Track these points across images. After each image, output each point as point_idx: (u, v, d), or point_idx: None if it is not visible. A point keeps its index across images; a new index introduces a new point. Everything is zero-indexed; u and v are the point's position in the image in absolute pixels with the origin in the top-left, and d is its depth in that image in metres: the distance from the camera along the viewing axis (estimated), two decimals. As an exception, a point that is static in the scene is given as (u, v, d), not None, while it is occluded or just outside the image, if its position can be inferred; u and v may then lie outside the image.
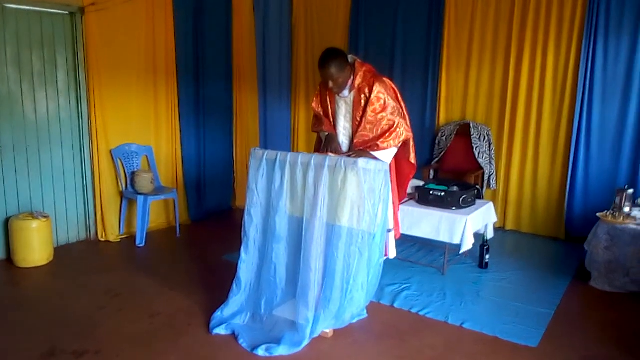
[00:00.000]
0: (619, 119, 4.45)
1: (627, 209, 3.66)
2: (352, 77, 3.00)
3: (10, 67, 4.02)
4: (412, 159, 3.20)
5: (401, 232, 3.84)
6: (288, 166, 2.84)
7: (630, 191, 3.69)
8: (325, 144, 3.17)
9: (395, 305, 3.35)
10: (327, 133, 3.19)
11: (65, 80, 4.38)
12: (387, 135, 2.96)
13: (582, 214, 4.62)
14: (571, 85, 4.62)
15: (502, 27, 4.92)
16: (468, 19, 5.10)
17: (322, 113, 3.27)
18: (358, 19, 5.68)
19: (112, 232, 4.67)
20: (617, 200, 3.70)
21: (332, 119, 3.20)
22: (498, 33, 4.96)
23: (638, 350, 2.81)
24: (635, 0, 4.25)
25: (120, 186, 4.75)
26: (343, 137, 3.17)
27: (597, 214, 3.72)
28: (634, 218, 3.59)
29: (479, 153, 4.98)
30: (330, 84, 2.96)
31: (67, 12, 4.28)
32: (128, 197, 4.72)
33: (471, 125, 5.03)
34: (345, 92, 3.06)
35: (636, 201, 3.92)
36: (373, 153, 2.95)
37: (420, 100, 5.45)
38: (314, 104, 3.32)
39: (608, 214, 3.67)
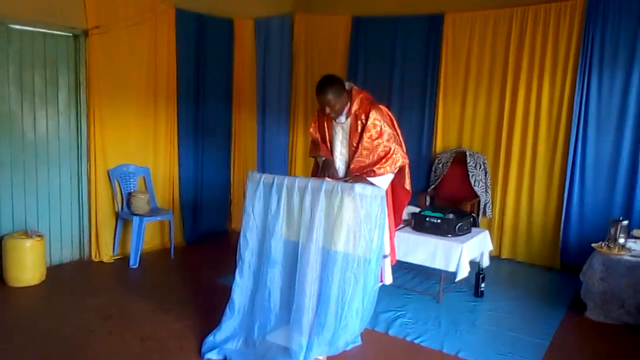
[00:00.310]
0: (613, 150, 4.51)
1: (621, 240, 3.67)
2: (349, 104, 3.05)
3: (12, 86, 4.06)
4: (408, 185, 3.22)
5: (397, 258, 3.84)
6: (285, 190, 2.85)
7: (625, 222, 3.71)
8: (322, 169, 3.19)
9: (390, 332, 3.32)
10: (324, 158, 3.21)
11: (66, 100, 4.42)
12: (383, 161, 2.99)
13: (577, 244, 4.63)
14: (566, 117, 4.69)
15: (499, 58, 5.01)
16: (465, 49, 5.20)
17: (319, 139, 3.31)
18: (357, 48, 5.78)
19: (106, 253, 4.64)
20: (612, 231, 3.71)
21: (329, 145, 3.23)
22: (495, 64, 5.05)
23: (634, 384, 2.79)
24: (628, 35, 4.35)
25: (116, 206, 4.74)
26: (340, 162, 3.20)
27: (592, 245, 3.73)
28: (629, 249, 3.60)
29: (475, 181, 5.01)
30: (327, 109, 3.00)
31: (70, 34, 4.34)
32: (123, 217, 4.71)
33: (467, 153, 5.08)
34: (342, 118, 3.11)
35: (631, 232, 3.94)
36: (369, 179, 2.97)
37: (418, 128, 5.50)
38: (311, 129, 3.37)
39: (603, 244, 3.68)
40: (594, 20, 4.46)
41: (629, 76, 4.38)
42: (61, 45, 4.33)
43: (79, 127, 4.48)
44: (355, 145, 3.06)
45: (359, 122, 3.03)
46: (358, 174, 3.05)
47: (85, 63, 4.38)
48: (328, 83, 2.97)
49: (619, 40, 4.40)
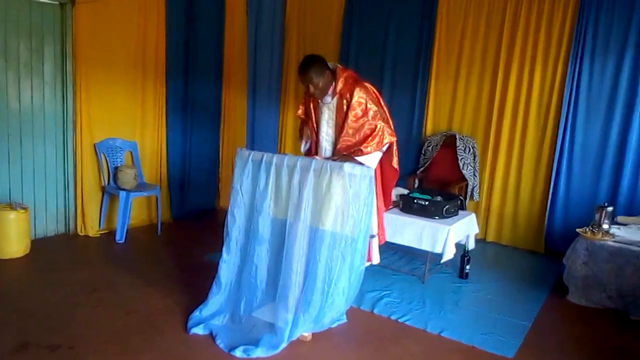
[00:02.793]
0: (601, 138, 4.54)
1: (605, 226, 3.72)
2: (333, 83, 3.04)
3: (-5, 54, 3.96)
4: (395, 163, 3.20)
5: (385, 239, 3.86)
6: (274, 168, 2.83)
7: (610, 209, 3.76)
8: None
9: (375, 311, 3.35)
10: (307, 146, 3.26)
11: (52, 72, 4.32)
12: (369, 139, 2.97)
13: (562, 229, 4.69)
14: (556, 103, 4.70)
15: (492, 42, 4.99)
16: (458, 32, 5.17)
17: (305, 119, 3.31)
18: (351, 26, 5.72)
19: (92, 227, 4.60)
20: (597, 217, 3.76)
21: (315, 126, 3.22)
22: (487, 48, 5.03)
23: (611, 365, 2.86)
24: (621, 24, 4.35)
25: (102, 181, 4.69)
26: (326, 142, 3.18)
27: (577, 230, 3.77)
28: (612, 235, 3.65)
29: (463, 164, 5.03)
30: (311, 88, 2.99)
31: (57, 3, 4.23)
32: (110, 192, 4.66)
33: (457, 136, 5.08)
34: (328, 99, 3.09)
35: (615, 219, 4.00)
36: (357, 158, 2.96)
37: (409, 109, 5.49)
38: (299, 112, 3.38)
39: (587, 230, 3.73)
40: (588, 7, 4.45)
41: (620, 64, 4.38)
42: (47, 14, 4.22)
43: (65, 99, 4.40)
44: (341, 124, 3.05)
45: (344, 101, 3.02)
46: (346, 153, 3.03)
47: (71, 33, 4.28)
48: (310, 62, 2.97)
49: (611, 28, 4.40)
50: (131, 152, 4.88)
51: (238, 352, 2.66)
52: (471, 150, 5.08)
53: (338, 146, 3.08)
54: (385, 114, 3.09)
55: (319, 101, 3.15)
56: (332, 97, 3.07)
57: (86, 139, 4.49)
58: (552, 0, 4.65)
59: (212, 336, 2.83)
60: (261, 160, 2.88)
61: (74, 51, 4.31)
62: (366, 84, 3.07)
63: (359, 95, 2.98)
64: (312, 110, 3.22)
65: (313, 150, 3.27)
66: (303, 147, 3.36)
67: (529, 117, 4.85)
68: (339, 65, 3.10)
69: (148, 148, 5.05)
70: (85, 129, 4.47)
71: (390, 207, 4.11)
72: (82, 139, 4.46)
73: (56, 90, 4.38)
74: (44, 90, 4.30)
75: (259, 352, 2.66)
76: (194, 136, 5.47)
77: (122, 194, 4.47)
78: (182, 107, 5.28)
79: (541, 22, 4.70)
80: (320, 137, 3.18)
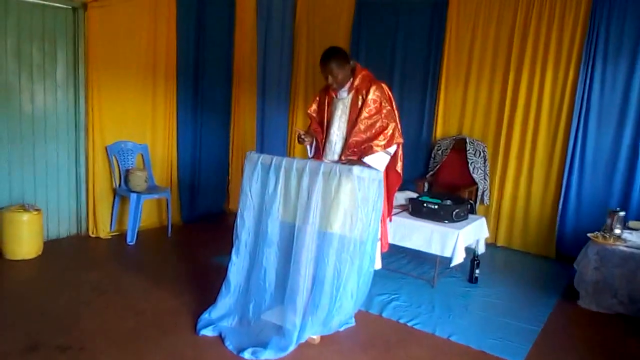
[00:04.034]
0: (613, 142, 4.50)
1: (617, 231, 3.68)
2: (351, 79, 3.10)
3: (9, 58, 4.02)
4: (399, 168, 3.22)
5: (393, 242, 3.86)
6: (283, 171, 2.84)
7: (622, 213, 3.72)
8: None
9: (384, 315, 3.35)
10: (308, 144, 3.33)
11: (64, 75, 4.38)
12: (381, 137, 3.01)
13: (573, 234, 4.65)
14: (568, 107, 4.67)
15: (502, 46, 4.97)
16: (469, 36, 5.16)
17: (315, 117, 3.34)
18: (360, 31, 5.73)
19: (103, 229, 4.65)
20: (609, 221, 3.72)
21: (325, 124, 3.24)
22: (498, 52, 5.01)
23: (622, 372, 2.83)
24: (633, 28, 4.32)
25: (113, 183, 4.74)
26: (337, 137, 3.20)
27: (588, 235, 3.74)
28: (624, 240, 3.62)
29: (473, 168, 5.01)
30: (330, 79, 3.05)
31: (69, 7, 4.29)
32: (121, 194, 4.70)
33: (467, 140, 5.06)
34: (344, 94, 3.13)
35: (627, 224, 3.96)
36: (367, 157, 2.99)
37: (418, 113, 5.48)
38: (309, 110, 3.39)
39: (599, 234, 3.69)
40: (600, 11, 4.42)
41: (633, 69, 4.34)
42: (60, 18, 4.27)
43: (77, 102, 4.45)
44: (354, 120, 3.08)
45: (360, 96, 3.07)
46: (353, 158, 3.05)
47: (84, 37, 4.34)
48: (332, 53, 3.05)
49: (623, 33, 4.37)
50: (142, 155, 4.92)
51: (247, 354, 2.67)
52: (482, 154, 5.06)
53: (349, 141, 3.10)
54: (396, 116, 3.12)
55: (334, 96, 3.19)
56: (348, 93, 3.13)
57: (98, 141, 4.54)
58: (563, 5, 4.62)
59: (221, 338, 2.85)
60: (270, 163, 2.89)
61: (86, 54, 4.36)
62: (382, 84, 3.12)
63: (374, 93, 3.04)
64: (326, 107, 3.25)
65: (320, 150, 3.28)
66: (310, 152, 3.38)
67: (540, 121, 4.82)
68: (358, 63, 3.17)
69: (159, 151, 5.09)
70: (97, 132, 4.51)
71: (399, 210, 4.11)
72: (94, 142, 4.51)
73: (68, 93, 4.43)
74: (57, 93, 4.36)
75: (267, 354, 2.67)
76: (204, 139, 5.50)
77: (133, 196, 4.51)
78: (192, 111, 5.32)
79: (552, 27, 4.67)
80: (331, 132, 3.20)
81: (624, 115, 4.42)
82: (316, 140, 3.33)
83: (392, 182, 3.28)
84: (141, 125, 4.91)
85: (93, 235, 4.62)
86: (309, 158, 3.30)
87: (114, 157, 4.69)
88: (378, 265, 3.41)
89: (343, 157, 3.10)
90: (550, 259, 4.80)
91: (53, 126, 4.37)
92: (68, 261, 4.04)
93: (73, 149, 4.52)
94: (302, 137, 3.28)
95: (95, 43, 4.36)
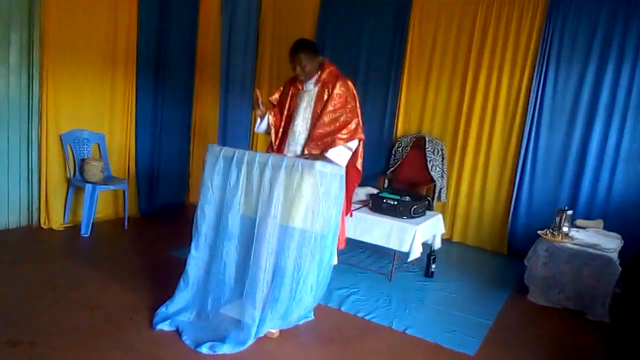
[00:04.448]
0: (563, 143, 4.70)
1: (565, 229, 3.85)
2: (319, 72, 3.13)
3: (-43, 39, 3.82)
4: (359, 164, 3.26)
5: (354, 237, 3.91)
6: (245, 164, 2.83)
7: (570, 212, 3.89)
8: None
9: (342, 308, 3.39)
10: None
11: (18, 60, 4.19)
12: (344, 131, 3.04)
13: (524, 231, 4.83)
14: (522, 109, 4.85)
15: (462, 48, 5.12)
16: (431, 37, 5.27)
17: (275, 105, 3.35)
18: (325, 27, 5.75)
19: (56, 220, 4.49)
20: (557, 220, 3.89)
21: (290, 114, 3.24)
22: (457, 54, 5.15)
23: (567, 362, 2.97)
24: (585, 34, 4.51)
25: (68, 173, 4.58)
26: (301, 128, 3.20)
27: (538, 232, 3.90)
28: (572, 238, 3.79)
29: (432, 166, 5.13)
30: (298, 69, 3.06)
31: (24, -11, 4.11)
32: (75, 184, 4.56)
33: (427, 139, 5.18)
34: (310, 86, 3.15)
35: (574, 222, 4.15)
36: (330, 151, 3.00)
37: (380, 110, 5.56)
38: (271, 98, 3.38)
39: (548, 232, 3.86)
40: (555, 17, 4.61)
41: (584, 72, 4.55)
42: (14, 1, 4.08)
43: (31, 88, 4.28)
44: (319, 112, 3.10)
45: (326, 90, 3.10)
46: (317, 152, 3.06)
47: (39, 20, 4.16)
48: (302, 45, 3.08)
49: (576, 37, 4.56)
50: (99, 145, 4.78)
51: (204, 349, 2.65)
52: (440, 152, 5.18)
53: (313, 133, 3.11)
54: (359, 113, 3.16)
55: (300, 88, 3.19)
56: (315, 85, 3.15)
57: (52, 129, 4.38)
58: (520, 9, 4.79)
59: (178, 332, 2.81)
60: (233, 156, 2.87)
61: (42, 39, 4.19)
62: (348, 81, 3.17)
63: (340, 88, 3.07)
64: (290, 98, 3.25)
65: (275, 141, 3.27)
66: (257, 127, 3.35)
67: (495, 122, 4.99)
68: (327, 59, 3.21)
69: (116, 141, 4.96)
70: (51, 120, 4.35)
71: (359, 206, 4.17)
72: (48, 130, 4.35)
73: (22, 78, 4.24)
74: (9, 78, 4.17)
75: (225, 349, 2.66)
76: (165, 129, 5.39)
77: (88, 186, 4.38)
78: (152, 101, 5.20)
79: (510, 31, 4.84)
80: (296, 123, 3.20)
81: (574, 117, 4.63)
82: (273, 127, 3.30)
83: (352, 178, 3.31)
84: (98, 114, 4.76)
85: (45, 227, 4.46)
86: (269, 152, 3.28)
87: (68, 146, 4.53)
88: (334, 260, 3.44)
89: (306, 150, 3.11)
90: (503, 255, 4.99)
91: (4, 112, 4.18)
92: (18, 253, 3.88)
93: (25, 137, 4.35)
94: (259, 103, 3.23)
95: (51, 27, 4.19)
